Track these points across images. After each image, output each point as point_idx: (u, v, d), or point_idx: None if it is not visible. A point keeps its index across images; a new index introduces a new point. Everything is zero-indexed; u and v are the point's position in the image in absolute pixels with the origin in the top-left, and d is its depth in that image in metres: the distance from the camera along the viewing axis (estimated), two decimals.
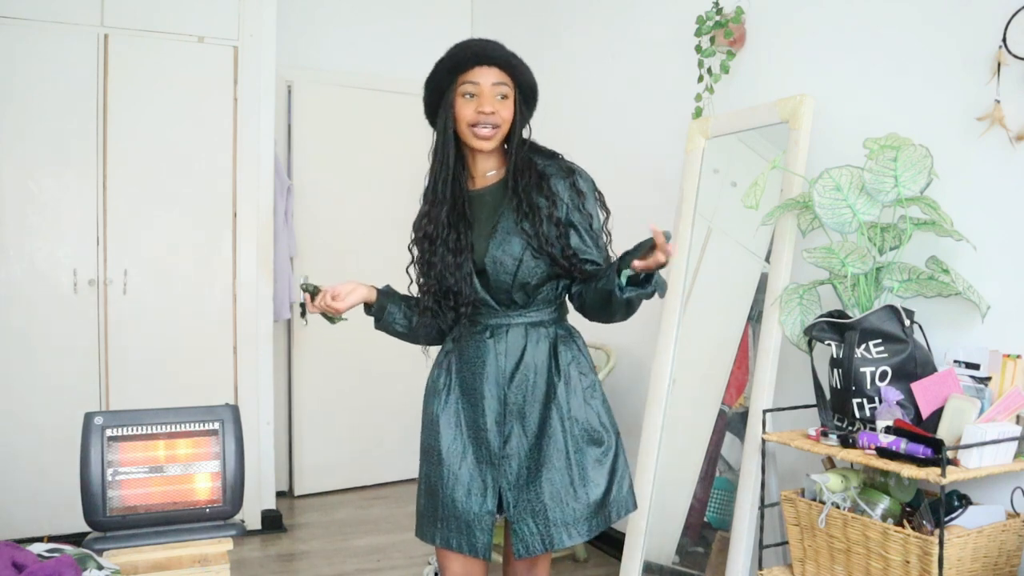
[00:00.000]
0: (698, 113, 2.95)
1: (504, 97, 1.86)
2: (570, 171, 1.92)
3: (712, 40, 2.86)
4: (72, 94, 3.43)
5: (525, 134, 1.94)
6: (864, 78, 2.43)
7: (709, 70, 2.90)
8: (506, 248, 1.85)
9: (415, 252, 1.96)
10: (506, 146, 1.93)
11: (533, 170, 1.89)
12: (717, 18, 2.84)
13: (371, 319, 2.04)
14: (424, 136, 1.99)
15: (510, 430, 1.86)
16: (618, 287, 1.73)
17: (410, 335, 2.05)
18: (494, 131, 1.86)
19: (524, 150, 1.91)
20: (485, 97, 1.84)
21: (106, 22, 3.46)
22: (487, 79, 1.84)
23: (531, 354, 1.89)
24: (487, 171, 1.94)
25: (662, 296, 1.89)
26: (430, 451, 1.91)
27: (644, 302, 1.83)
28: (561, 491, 1.82)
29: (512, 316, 1.90)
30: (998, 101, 2.04)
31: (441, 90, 1.89)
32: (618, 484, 1.88)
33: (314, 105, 4.28)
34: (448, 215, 1.89)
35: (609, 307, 1.81)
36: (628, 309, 1.82)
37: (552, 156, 1.95)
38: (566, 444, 1.84)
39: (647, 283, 1.73)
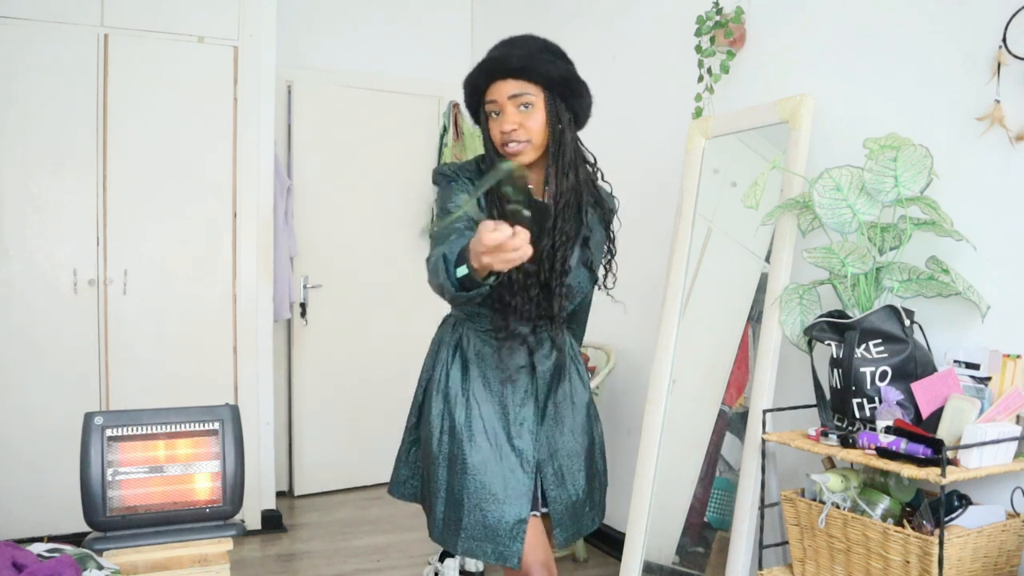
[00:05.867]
0: (698, 113, 2.95)
1: (527, 106, 1.76)
2: (611, 212, 1.94)
3: (712, 40, 2.86)
4: (72, 94, 3.43)
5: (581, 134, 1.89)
6: (864, 78, 2.43)
7: (709, 70, 2.90)
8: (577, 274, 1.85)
9: None
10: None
11: (577, 195, 1.82)
12: (717, 18, 2.84)
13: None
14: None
15: (548, 434, 1.86)
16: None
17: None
18: (523, 145, 1.77)
19: (574, 173, 1.81)
20: (505, 114, 1.75)
21: (106, 22, 3.46)
22: (503, 93, 1.75)
23: (562, 359, 1.91)
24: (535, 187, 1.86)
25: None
26: (453, 459, 1.80)
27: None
28: (590, 481, 1.94)
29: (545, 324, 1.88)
30: (998, 101, 2.04)
31: (477, 112, 1.84)
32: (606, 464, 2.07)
33: (314, 105, 4.28)
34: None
35: None
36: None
37: (598, 188, 1.93)
38: (592, 438, 1.96)
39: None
